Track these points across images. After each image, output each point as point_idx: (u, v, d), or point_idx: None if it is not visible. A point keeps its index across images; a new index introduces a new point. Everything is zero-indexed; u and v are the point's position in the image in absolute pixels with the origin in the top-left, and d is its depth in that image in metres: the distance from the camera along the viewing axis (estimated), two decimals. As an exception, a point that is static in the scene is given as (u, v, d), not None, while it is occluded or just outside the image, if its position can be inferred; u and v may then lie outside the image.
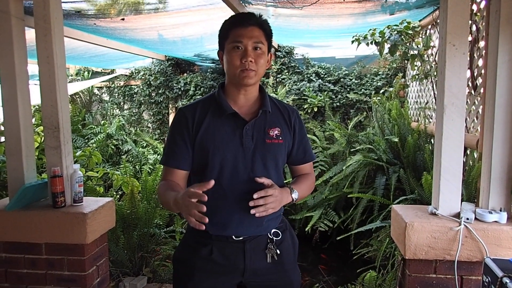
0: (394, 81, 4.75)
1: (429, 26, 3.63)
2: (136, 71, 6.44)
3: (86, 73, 6.64)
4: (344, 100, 5.22)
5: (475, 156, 2.45)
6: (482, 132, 1.79)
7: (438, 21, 1.93)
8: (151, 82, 6.22)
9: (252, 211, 1.17)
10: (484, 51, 2.33)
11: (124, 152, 5.87)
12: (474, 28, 2.56)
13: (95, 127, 6.05)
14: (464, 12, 1.61)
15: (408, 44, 3.32)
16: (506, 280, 1.26)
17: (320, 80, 5.35)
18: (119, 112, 6.72)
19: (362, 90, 5.15)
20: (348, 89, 5.24)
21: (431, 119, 3.64)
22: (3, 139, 2.47)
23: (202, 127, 1.28)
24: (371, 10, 3.26)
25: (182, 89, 6.06)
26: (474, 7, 2.58)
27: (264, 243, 1.32)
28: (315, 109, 5.18)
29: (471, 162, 2.51)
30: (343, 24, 3.71)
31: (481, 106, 2.30)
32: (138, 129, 6.47)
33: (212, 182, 1.09)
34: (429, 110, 3.67)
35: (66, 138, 1.98)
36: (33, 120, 2.77)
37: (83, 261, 1.92)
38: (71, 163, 2.02)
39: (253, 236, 1.30)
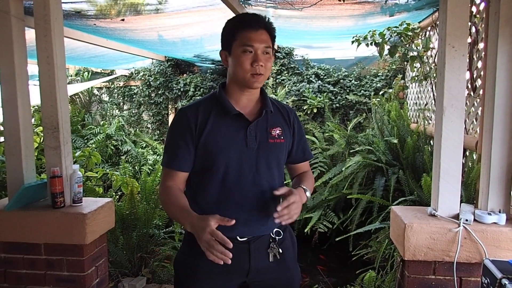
0: (394, 82, 4.75)
1: (429, 28, 3.63)
2: (136, 72, 6.45)
3: (85, 73, 6.64)
4: (343, 101, 5.23)
5: (474, 157, 2.45)
6: (481, 134, 1.80)
7: (438, 22, 1.93)
8: (151, 82, 6.22)
9: (277, 220, 1.17)
10: (483, 53, 2.33)
11: (123, 152, 5.87)
12: (473, 30, 2.57)
13: (95, 127, 6.05)
14: (464, 14, 1.61)
15: (407, 46, 3.33)
16: (505, 281, 1.26)
17: (319, 81, 5.35)
18: (119, 112, 6.72)
19: (362, 91, 5.16)
20: (348, 90, 5.25)
21: (431, 120, 3.64)
22: (2, 139, 2.47)
23: (206, 128, 1.26)
24: (371, 11, 3.26)
25: (181, 89, 6.06)
26: (474, 9, 2.59)
27: (266, 243, 1.32)
28: (315, 110, 5.18)
29: (470, 164, 2.51)
30: (343, 25, 3.71)
31: (480, 108, 2.30)
32: (137, 129, 6.47)
33: (232, 222, 1.09)
34: (429, 111, 3.68)
35: (65, 139, 1.98)
36: (33, 120, 2.78)
37: (82, 261, 1.92)
38: (70, 163, 2.02)
39: (257, 236, 1.31)
